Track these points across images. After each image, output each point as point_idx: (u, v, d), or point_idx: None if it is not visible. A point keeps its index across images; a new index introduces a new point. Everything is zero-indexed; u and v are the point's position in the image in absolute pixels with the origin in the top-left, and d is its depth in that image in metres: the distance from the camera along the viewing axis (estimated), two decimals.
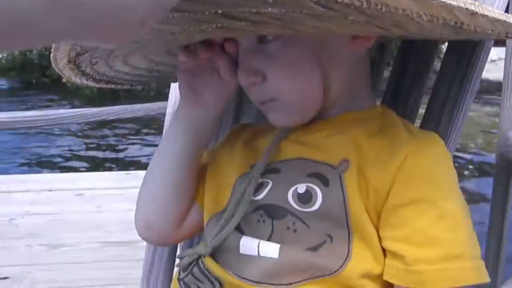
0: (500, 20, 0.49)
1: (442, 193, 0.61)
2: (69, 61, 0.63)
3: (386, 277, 0.61)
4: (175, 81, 1.03)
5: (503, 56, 1.02)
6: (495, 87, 9.62)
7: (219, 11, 0.43)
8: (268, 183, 0.69)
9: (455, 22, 0.45)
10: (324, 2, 0.38)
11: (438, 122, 0.90)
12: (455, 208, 0.61)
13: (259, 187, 0.69)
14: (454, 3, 0.42)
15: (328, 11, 0.41)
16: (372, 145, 0.66)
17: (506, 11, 0.78)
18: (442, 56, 0.92)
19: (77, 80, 0.74)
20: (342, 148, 0.67)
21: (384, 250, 0.63)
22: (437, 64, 0.95)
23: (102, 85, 0.80)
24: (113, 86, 0.83)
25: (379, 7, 0.39)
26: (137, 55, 0.70)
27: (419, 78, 0.93)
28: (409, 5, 0.41)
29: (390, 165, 0.63)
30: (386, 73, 1.00)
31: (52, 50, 0.59)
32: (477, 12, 0.45)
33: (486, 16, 0.47)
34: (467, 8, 0.44)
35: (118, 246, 2.27)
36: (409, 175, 0.62)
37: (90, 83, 0.77)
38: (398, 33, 0.55)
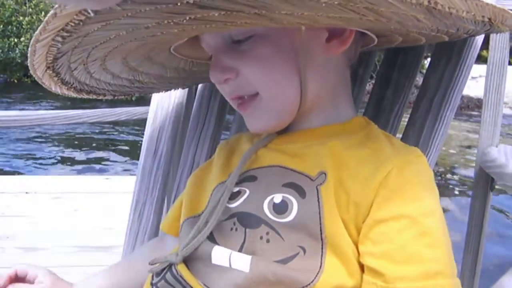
0: (475, 1, 0.48)
1: (423, 210, 0.61)
2: (48, 67, 0.62)
3: None
4: (157, 91, 1.03)
5: (484, 74, 1.03)
6: (475, 104, 9.79)
7: (191, 1, 0.42)
8: (245, 191, 0.69)
9: (429, 1, 0.44)
10: None
11: (419, 135, 0.91)
12: (435, 225, 0.60)
13: (235, 195, 0.69)
14: None
15: None
16: (353, 157, 0.66)
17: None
18: (424, 71, 0.93)
19: (58, 89, 0.72)
20: (321, 160, 0.67)
21: (361, 266, 0.62)
22: (419, 79, 0.96)
23: (83, 95, 0.78)
24: (94, 96, 0.81)
25: None
26: (116, 59, 0.69)
27: (402, 91, 0.94)
28: None
29: (372, 180, 0.62)
30: (369, 86, 1.00)
31: (29, 54, 0.58)
32: None
33: None
34: None
35: (94, 251, 2.24)
36: (391, 191, 0.61)
37: (71, 93, 0.75)
38: (374, 20, 0.53)
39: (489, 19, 0.55)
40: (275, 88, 0.67)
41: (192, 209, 0.77)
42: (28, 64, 0.61)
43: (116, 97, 0.86)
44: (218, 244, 0.66)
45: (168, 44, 0.70)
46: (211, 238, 0.67)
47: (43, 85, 0.70)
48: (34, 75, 0.65)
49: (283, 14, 0.49)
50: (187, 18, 0.48)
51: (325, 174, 0.65)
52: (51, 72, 0.64)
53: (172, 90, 1.15)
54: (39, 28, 0.48)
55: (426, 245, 0.58)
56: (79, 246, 2.29)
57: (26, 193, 2.99)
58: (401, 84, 0.94)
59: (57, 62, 0.61)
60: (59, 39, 0.50)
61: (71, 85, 0.72)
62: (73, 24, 0.46)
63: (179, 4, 0.42)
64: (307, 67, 0.66)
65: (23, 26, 11.28)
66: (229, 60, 0.67)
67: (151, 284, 0.71)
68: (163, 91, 1.02)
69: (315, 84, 0.68)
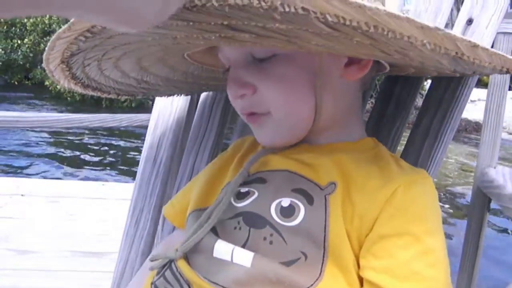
0: (498, 54, 0.51)
1: (427, 229, 0.62)
2: (62, 61, 0.63)
3: None
4: (160, 95, 1.04)
5: (483, 97, 1.04)
6: (473, 127, 9.81)
7: (225, 23, 0.43)
8: (254, 192, 0.70)
9: (456, 53, 0.47)
10: (332, 23, 0.40)
11: (418, 153, 0.91)
12: (437, 245, 0.61)
13: (244, 195, 0.70)
14: (458, 35, 0.44)
15: (335, 32, 0.43)
16: (361, 172, 0.67)
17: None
18: (424, 93, 0.94)
19: (65, 84, 0.73)
20: (330, 171, 0.68)
21: (360, 279, 0.63)
22: (418, 101, 0.97)
23: (89, 91, 0.79)
24: (99, 93, 0.82)
25: (385, 32, 0.41)
26: (130, 59, 0.70)
27: (402, 109, 0.95)
28: (414, 33, 0.42)
29: (378, 195, 0.63)
30: (368, 105, 1.01)
31: (47, 49, 0.59)
32: (478, 45, 0.47)
33: (487, 49, 0.49)
34: (469, 41, 0.46)
35: (87, 256, 2.23)
36: (396, 208, 0.62)
37: (78, 88, 0.76)
38: (399, 58, 0.56)
39: (508, 69, 0.57)
40: (289, 108, 0.68)
41: (200, 202, 0.78)
42: (43, 57, 0.61)
43: (119, 97, 0.87)
44: (221, 239, 0.67)
45: (184, 50, 0.71)
46: (215, 233, 0.68)
47: (52, 78, 0.70)
48: (46, 68, 0.66)
49: (313, 44, 0.51)
50: (217, 35, 0.49)
51: (335, 184, 0.66)
52: (64, 66, 0.65)
53: (174, 98, 1.16)
54: (63, 27, 0.49)
55: (428, 264, 0.59)
56: (72, 250, 2.27)
57: (22, 195, 2.98)
58: (402, 101, 0.95)
59: (73, 58, 0.62)
60: (82, 38, 0.51)
61: (80, 80, 0.73)
62: (100, 27, 0.46)
63: (213, 24, 0.44)
64: (323, 89, 0.68)
65: (27, 28, 11.32)
66: (248, 76, 0.68)
67: (151, 283, 0.71)
68: (166, 96, 1.02)
69: (330, 106, 0.70)
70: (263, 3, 0.36)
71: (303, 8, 0.37)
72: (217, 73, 0.89)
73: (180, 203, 0.87)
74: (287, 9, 0.37)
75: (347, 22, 0.39)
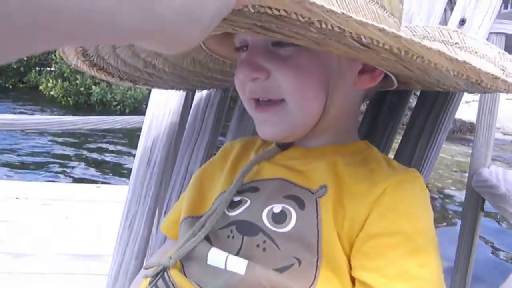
0: None
1: (417, 229, 0.62)
2: None
3: None
4: (161, 87, 1.02)
5: (477, 98, 1.05)
6: (467, 128, 9.84)
7: (258, 24, 0.44)
8: (246, 201, 0.70)
9: (476, 80, 0.49)
10: (365, 43, 0.41)
11: (412, 154, 0.91)
12: (428, 245, 0.61)
13: (236, 204, 0.70)
14: (483, 68, 0.46)
15: (365, 48, 0.44)
16: (352, 173, 0.67)
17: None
18: (418, 93, 0.94)
19: (73, 61, 0.73)
20: (322, 175, 0.68)
21: (353, 279, 0.62)
22: (412, 101, 0.97)
23: (93, 71, 0.79)
24: (103, 75, 0.81)
25: (414, 57, 0.42)
26: None
27: (395, 111, 0.95)
28: (441, 61, 0.44)
29: (368, 196, 0.63)
30: (362, 107, 1.02)
31: None
32: (499, 78, 0.49)
33: (506, 81, 0.50)
34: (492, 74, 0.47)
35: (83, 259, 2.22)
36: (387, 207, 0.62)
37: (84, 67, 0.76)
38: (419, 74, 0.57)
39: None
40: (303, 100, 0.68)
41: (193, 209, 0.78)
42: None
43: (121, 81, 0.86)
44: (215, 247, 0.66)
45: None
46: (208, 241, 0.68)
47: (62, 54, 0.70)
48: None
49: (341, 52, 0.51)
50: (248, 30, 0.50)
51: (325, 187, 0.66)
52: None
53: (168, 100, 1.16)
54: None
55: (418, 264, 0.59)
56: (67, 253, 2.27)
57: (17, 198, 2.97)
58: (394, 103, 0.95)
59: None
60: None
61: (89, 58, 0.73)
62: None
63: (246, 23, 0.45)
64: (335, 90, 0.68)
65: None
66: (264, 60, 0.67)
67: None
68: (166, 88, 1.02)
69: (337, 108, 0.70)
70: (300, 18, 0.37)
71: (339, 27, 0.38)
72: (225, 66, 0.89)
73: (173, 214, 0.86)
74: (323, 26, 0.38)
75: (380, 45, 0.40)
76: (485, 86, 0.51)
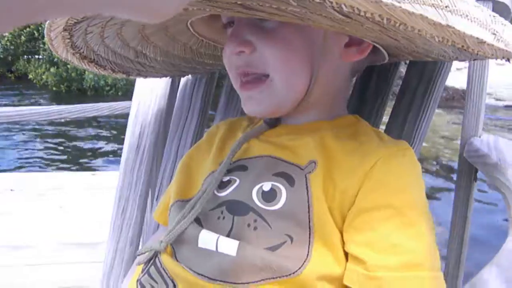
0: (502, 49, 0.50)
1: (408, 201, 0.61)
2: (65, 29, 0.62)
3: (346, 282, 0.61)
4: (153, 76, 1.01)
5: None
6: (460, 95, 9.86)
7: (239, 2, 0.43)
8: (235, 180, 0.69)
9: (462, 46, 0.48)
10: (346, 12, 0.40)
11: (402, 127, 0.91)
12: (419, 218, 0.60)
13: (225, 184, 0.69)
14: (467, 32, 0.45)
15: (347, 18, 0.43)
16: (341, 148, 0.67)
17: None
18: (408, 62, 0.93)
19: (63, 54, 0.72)
20: (311, 150, 0.67)
21: (346, 254, 0.62)
22: (403, 70, 0.96)
23: (84, 64, 0.78)
24: (95, 67, 0.80)
25: (397, 25, 0.42)
26: (134, 25, 0.69)
27: (385, 83, 0.94)
28: (425, 27, 0.43)
29: (358, 169, 0.63)
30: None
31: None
32: (485, 42, 0.48)
33: (492, 45, 0.49)
34: (477, 37, 0.46)
35: (80, 248, 2.23)
36: (377, 181, 0.62)
37: (74, 60, 0.75)
38: (404, 44, 0.57)
39: (508, 59, 0.57)
40: (288, 75, 0.67)
41: (182, 193, 0.77)
42: (46, 25, 0.61)
43: (114, 73, 0.86)
44: (205, 229, 0.66)
45: (189, 18, 0.70)
46: (199, 223, 0.67)
47: (51, 47, 0.70)
48: (46, 36, 0.65)
49: (325, 25, 0.51)
50: (230, 11, 0.50)
51: (315, 163, 0.65)
52: (66, 34, 0.64)
53: (154, 86, 1.14)
54: None
55: (409, 237, 0.58)
56: (64, 243, 2.27)
57: (11, 190, 2.96)
58: (383, 75, 0.94)
59: (76, 26, 0.61)
60: None
61: (78, 50, 0.72)
62: None
63: (226, 2, 0.44)
64: (321, 65, 0.67)
65: None
66: (249, 34, 0.66)
67: (137, 280, 0.70)
68: (159, 77, 1.01)
69: (322, 84, 0.69)
70: None
71: None
72: (216, 50, 0.88)
73: (164, 201, 0.86)
74: None
75: (361, 13, 0.39)
76: (472, 52, 0.50)
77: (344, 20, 0.44)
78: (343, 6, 0.38)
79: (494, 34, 0.49)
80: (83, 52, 0.74)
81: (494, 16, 0.50)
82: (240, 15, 0.51)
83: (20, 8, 0.20)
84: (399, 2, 0.39)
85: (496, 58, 0.57)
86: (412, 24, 0.42)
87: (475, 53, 0.51)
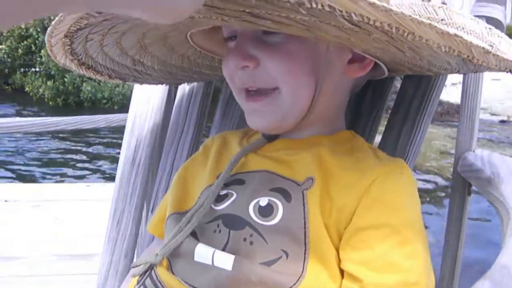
0: (506, 59, 0.51)
1: (405, 221, 0.61)
2: (66, 36, 0.62)
3: None
4: (150, 83, 1.02)
5: None
6: (455, 110, 9.90)
7: (248, 10, 0.43)
8: (232, 194, 0.69)
9: (467, 56, 0.49)
10: (356, 21, 0.40)
11: (396, 140, 0.91)
12: (415, 236, 0.61)
13: (222, 198, 0.69)
14: (474, 41, 0.46)
15: (356, 27, 0.43)
16: (338, 164, 0.67)
17: None
18: (403, 77, 0.94)
19: (62, 60, 0.72)
20: (308, 166, 0.68)
21: (342, 271, 0.62)
22: (398, 85, 0.97)
23: (82, 70, 0.78)
24: (92, 73, 0.80)
25: (406, 34, 0.42)
26: (135, 34, 0.69)
27: (380, 97, 0.95)
28: (432, 37, 0.44)
29: (356, 187, 0.63)
30: None
31: (53, 23, 0.58)
32: (490, 52, 0.48)
33: (497, 55, 0.50)
34: (483, 47, 0.47)
35: (74, 259, 2.22)
36: (374, 199, 0.62)
37: (73, 66, 0.75)
38: (410, 56, 0.57)
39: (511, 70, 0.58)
40: (295, 86, 0.67)
41: (178, 205, 0.77)
42: (47, 31, 0.61)
43: (111, 79, 0.86)
44: (201, 243, 0.66)
45: (189, 29, 0.70)
46: (195, 236, 0.67)
47: (50, 53, 0.70)
48: (46, 42, 0.65)
49: (331, 36, 0.51)
50: (237, 20, 0.49)
51: (312, 179, 0.66)
52: (67, 40, 0.64)
53: (151, 97, 1.15)
54: None
55: (405, 255, 0.59)
56: (59, 254, 2.26)
57: (6, 201, 2.95)
58: (379, 89, 0.95)
59: (78, 33, 0.62)
60: (95, 14, 0.51)
61: (77, 57, 0.73)
62: None
63: (235, 11, 0.44)
64: (325, 79, 0.67)
65: (4, 34, 11.15)
66: (253, 48, 0.66)
67: None
68: (155, 84, 1.01)
69: (325, 99, 0.70)
70: None
71: (329, 6, 0.38)
72: (214, 61, 0.88)
73: (158, 213, 0.86)
74: (314, 6, 0.38)
75: (371, 22, 0.40)
76: (477, 62, 0.51)
77: (353, 29, 0.44)
78: (353, 15, 0.39)
79: (491, 46, 0.49)
80: (81, 58, 0.74)
81: (490, 29, 0.51)
82: (247, 25, 0.51)
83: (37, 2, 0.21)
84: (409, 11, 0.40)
85: (499, 69, 0.58)
86: (421, 34, 0.42)
87: (479, 63, 0.51)
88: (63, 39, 0.64)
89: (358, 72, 0.70)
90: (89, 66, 0.78)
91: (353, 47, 0.63)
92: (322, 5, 0.37)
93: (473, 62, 0.51)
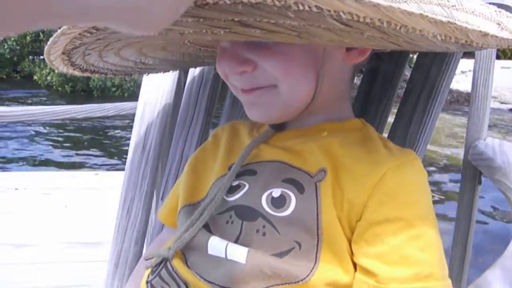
0: (507, 39, 0.50)
1: (417, 213, 0.61)
2: (63, 53, 0.62)
3: None
4: (157, 72, 1.02)
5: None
6: (464, 98, 9.85)
7: (236, 19, 0.43)
8: (244, 185, 0.69)
9: (466, 41, 0.48)
10: (345, 20, 0.40)
11: (407, 129, 0.91)
12: (428, 228, 0.61)
13: (234, 189, 0.69)
14: (469, 26, 0.45)
15: (347, 27, 0.43)
16: (348, 155, 0.67)
17: None
18: (413, 65, 0.93)
19: (64, 69, 0.73)
20: (320, 157, 0.67)
21: (354, 263, 0.62)
22: (408, 73, 0.96)
23: (86, 74, 0.79)
24: (96, 75, 0.81)
25: (398, 27, 0.42)
26: (131, 49, 0.69)
27: (390, 85, 0.94)
28: (426, 27, 0.43)
29: (367, 180, 0.63)
30: (356, 80, 1.01)
31: (49, 43, 0.58)
32: (488, 34, 0.48)
33: (496, 36, 0.49)
34: (480, 31, 0.46)
35: (84, 247, 2.23)
36: (386, 193, 0.62)
37: (76, 72, 0.76)
38: (407, 47, 0.57)
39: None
40: (293, 85, 0.67)
41: (190, 197, 0.77)
42: (45, 50, 0.62)
43: (116, 76, 0.87)
44: (214, 235, 0.66)
45: (185, 38, 0.70)
46: (208, 229, 0.68)
47: (51, 65, 0.70)
48: (46, 58, 0.66)
49: (324, 40, 0.50)
50: (227, 31, 0.48)
51: (324, 171, 0.65)
52: (65, 56, 0.65)
53: (161, 84, 1.15)
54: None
55: (419, 248, 0.59)
56: (68, 242, 2.28)
57: (16, 189, 2.97)
58: (388, 77, 0.94)
59: (74, 50, 0.62)
60: (87, 34, 0.51)
61: (78, 66, 0.73)
62: None
63: (223, 20, 0.43)
64: (325, 70, 0.67)
65: None
66: (247, 52, 0.65)
67: (146, 282, 0.71)
68: (162, 72, 1.01)
69: (328, 87, 0.69)
70: (276, 2, 0.36)
71: (316, 7, 0.37)
72: (214, 52, 0.87)
73: (169, 202, 0.86)
74: (300, 8, 0.37)
75: (361, 19, 0.39)
76: (476, 45, 0.50)
77: (344, 30, 0.44)
78: (341, 13, 0.38)
79: (498, 24, 0.49)
80: (83, 67, 0.74)
81: (499, 11, 0.50)
82: (238, 37, 0.51)
83: (14, 16, 0.21)
84: (398, 3, 0.39)
85: (499, 47, 0.57)
86: (413, 25, 0.42)
87: (479, 46, 0.51)
88: (61, 56, 0.64)
89: (357, 58, 0.69)
90: (93, 71, 0.79)
91: (349, 46, 0.63)
92: (309, 7, 0.37)
93: (472, 46, 0.51)
